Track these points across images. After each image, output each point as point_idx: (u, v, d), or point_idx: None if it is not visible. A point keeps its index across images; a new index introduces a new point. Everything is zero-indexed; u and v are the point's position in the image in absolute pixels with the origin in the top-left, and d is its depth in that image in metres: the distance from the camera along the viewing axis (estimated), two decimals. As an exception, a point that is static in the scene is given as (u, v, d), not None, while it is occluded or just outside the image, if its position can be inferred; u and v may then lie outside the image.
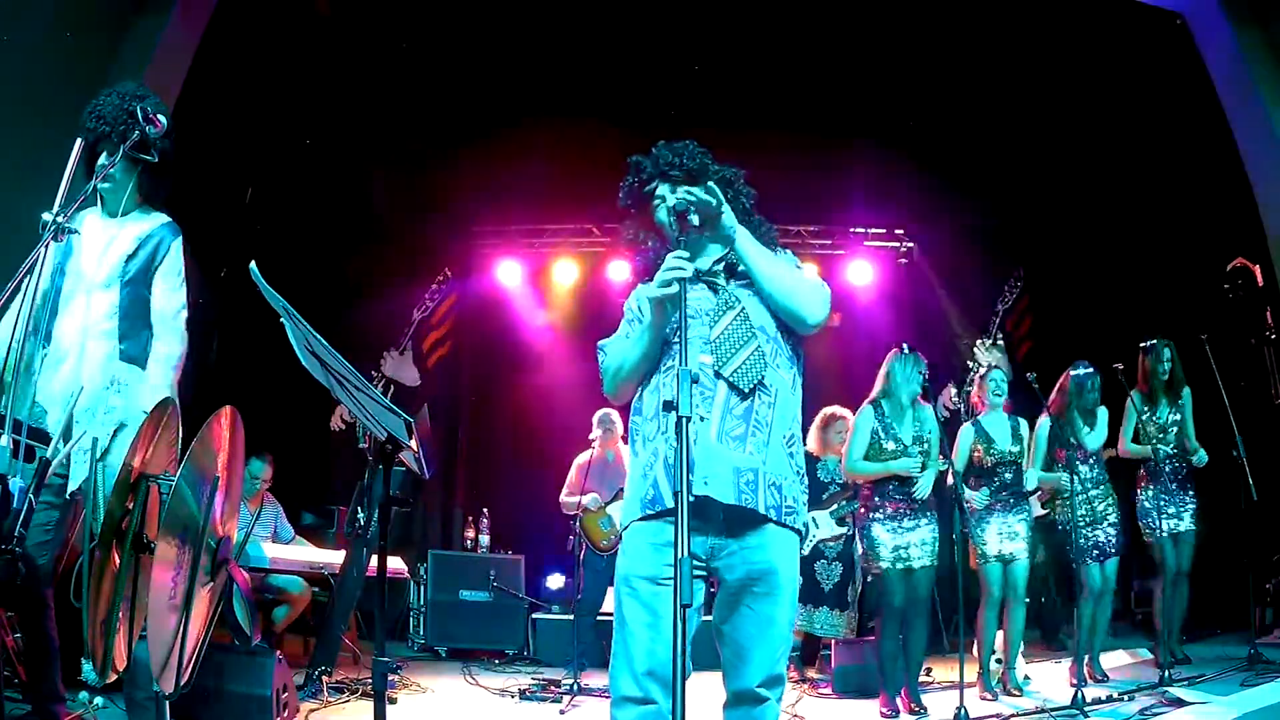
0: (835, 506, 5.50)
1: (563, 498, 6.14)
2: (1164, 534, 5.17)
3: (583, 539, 5.90)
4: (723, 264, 2.34)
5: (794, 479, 2.23)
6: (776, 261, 2.32)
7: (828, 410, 5.76)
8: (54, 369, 2.87)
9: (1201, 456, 5.20)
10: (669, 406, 1.87)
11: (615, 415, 5.98)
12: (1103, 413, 5.15)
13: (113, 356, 2.92)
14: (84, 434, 2.78)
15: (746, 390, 2.16)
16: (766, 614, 2.13)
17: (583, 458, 6.13)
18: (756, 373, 2.18)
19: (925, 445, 4.66)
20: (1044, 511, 5.34)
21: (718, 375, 2.17)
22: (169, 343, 3.01)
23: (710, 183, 2.28)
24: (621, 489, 5.81)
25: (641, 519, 2.19)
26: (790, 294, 2.27)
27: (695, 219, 2.21)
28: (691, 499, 2.01)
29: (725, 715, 2.17)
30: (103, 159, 2.91)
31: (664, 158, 2.37)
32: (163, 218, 3.10)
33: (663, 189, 2.37)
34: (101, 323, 2.92)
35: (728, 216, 2.25)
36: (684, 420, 1.80)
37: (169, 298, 3.03)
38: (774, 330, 2.28)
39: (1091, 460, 5.09)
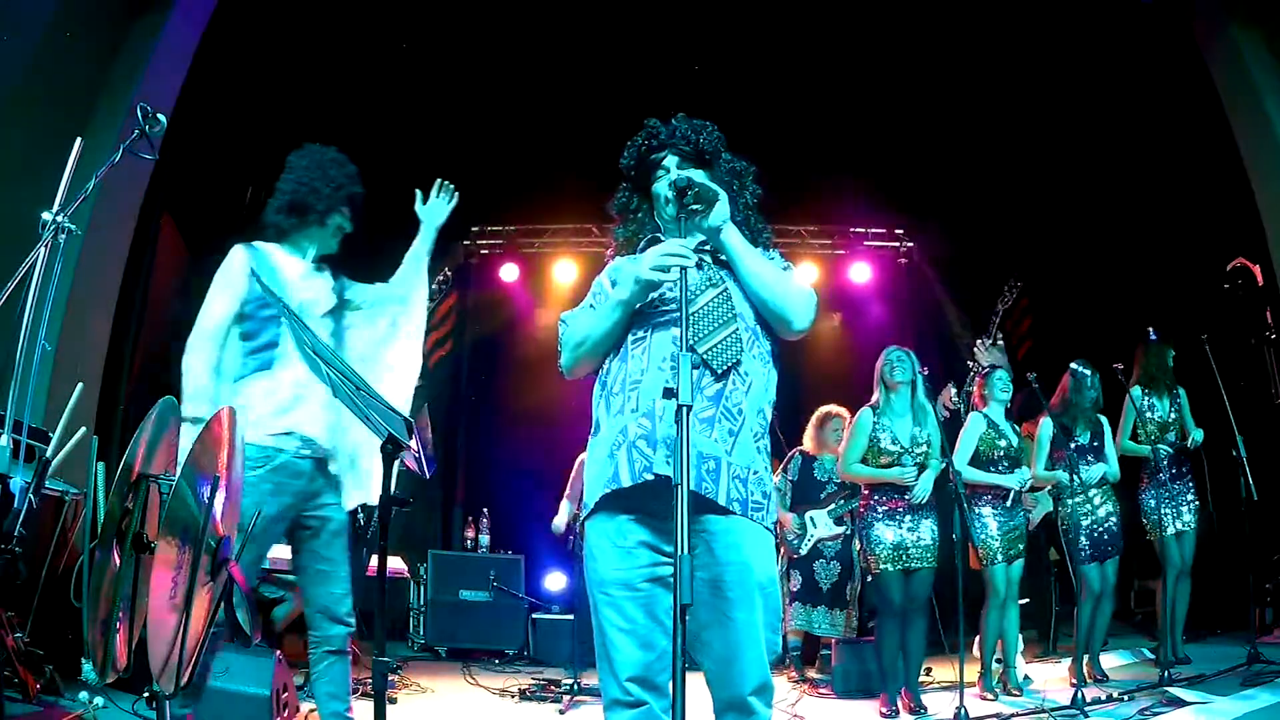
0: (833, 506, 5.49)
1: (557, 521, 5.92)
2: (1168, 532, 5.19)
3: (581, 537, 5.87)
4: (709, 246, 2.25)
5: (761, 475, 2.10)
6: (764, 260, 2.23)
7: (824, 409, 5.76)
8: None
9: (1197, 436, 5.24)
10: (669, 394, 1.79)
11: None
12: (1108, 435, 5.15)
13: None
14: (83, 431, 2.78)
15: (720, 371, 2.07)
16: (748, 619, 2.00)
17: (584, 457, 6.10)
18: (733, 354, 2.09)
19: (924, 447, 4.67)
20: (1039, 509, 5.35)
21: (691, 351, 2.06)
22: None
23: (715, 184, 2.19)
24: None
25: (598, 511, 2.11)
26: (776, 294, 2.17)
27: (691, 201, 2.11)
28: (650, 478, 1.96)
29: None
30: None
31: (680, 130, 2.30)
32: None
33: (670, 160, 2.29)
34: None
35: (722, 207, 2.15)
36: (684, 410, 1.71)
37: None
38: (753, 321, 2.18)
39: (1089, 457, 5.09)
